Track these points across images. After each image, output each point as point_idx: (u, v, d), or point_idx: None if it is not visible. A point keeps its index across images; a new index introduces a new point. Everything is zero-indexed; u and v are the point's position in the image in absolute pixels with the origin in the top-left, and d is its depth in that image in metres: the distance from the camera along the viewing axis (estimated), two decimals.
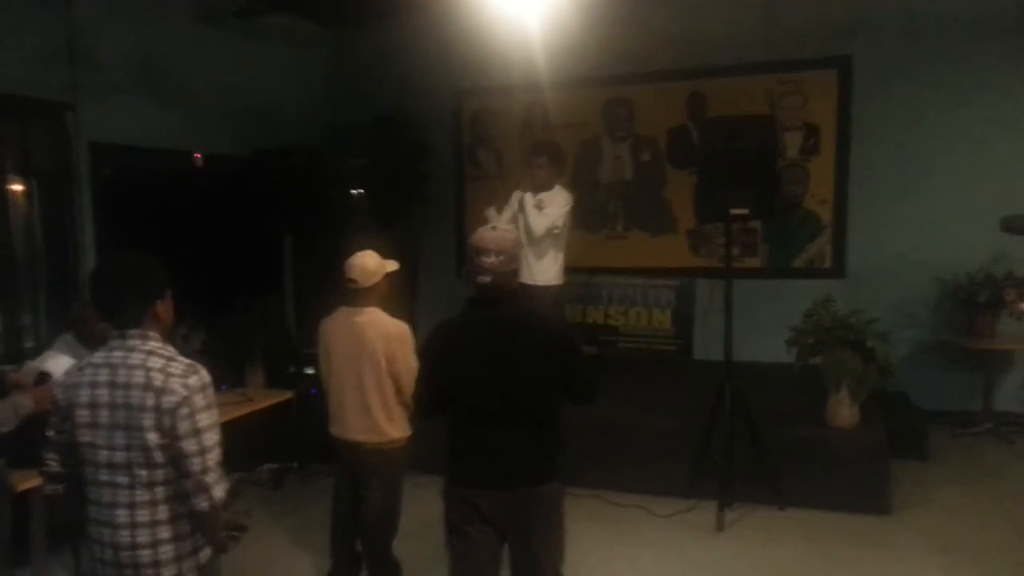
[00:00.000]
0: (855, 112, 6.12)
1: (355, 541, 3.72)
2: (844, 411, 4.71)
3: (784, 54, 6.15)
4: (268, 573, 4.17)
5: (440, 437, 2.75)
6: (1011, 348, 5.65)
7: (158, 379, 2.05)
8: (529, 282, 4.76)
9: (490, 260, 2.56)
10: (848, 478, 4.58)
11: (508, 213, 5.07)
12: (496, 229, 2.68)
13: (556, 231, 5.02)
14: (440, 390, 2.69)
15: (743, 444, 4.53)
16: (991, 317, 5.54)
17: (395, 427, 3.54)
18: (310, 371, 5.20)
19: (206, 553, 2.20)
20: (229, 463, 5.20)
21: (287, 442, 5.38)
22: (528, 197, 4.97)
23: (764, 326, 5.58)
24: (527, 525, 2.67)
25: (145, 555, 2.09)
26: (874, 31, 5.98)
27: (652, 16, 6.25)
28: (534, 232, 4.93)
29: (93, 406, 2.09)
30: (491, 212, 5.18)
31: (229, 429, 4.52)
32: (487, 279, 2.57)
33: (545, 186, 5.02)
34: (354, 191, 6.25)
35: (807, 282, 5.99)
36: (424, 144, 6.92)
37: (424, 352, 2.80)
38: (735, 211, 4.45)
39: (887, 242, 6.05)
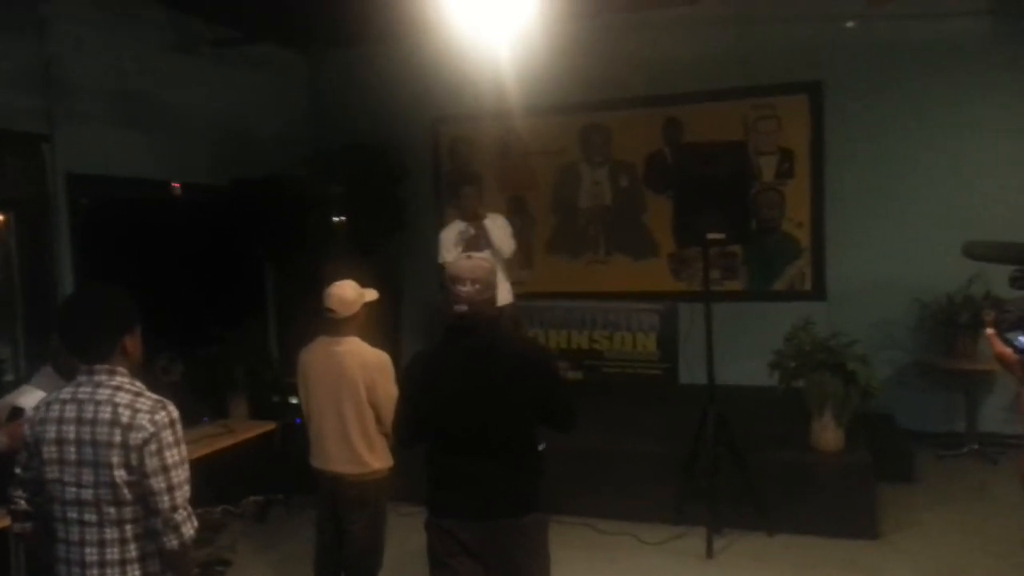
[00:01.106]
0: (828, 136, 6.20)
1: (339, 574, 3.66)
2: (829, 434, 4.70)
3: (757, 80, 6.24)
4: None
5: (423, 467, 2.72)
6: (992, 368, 5.62)
7: (125, 415, 2.01)
8: None
9: (466, 289, 2.57)
10: (835, 503, 4.56)
11: (457, 246, 5.16)
12: (472, 258, 2.70)
13: (513, 249, 5.27)
14: (419, 419, 2.67)
15: (728, 469, 4.51)
16: (971, 337, 5.56)
17: (377, 458, 3.50)
18: (294, 400, 5.15)
19: None
20: (213, 496, 5.13)
21: (272, 473, 5.31)
22: (488, 222, 5.14)
23: (747, 349, 5.57)
24: (510, 556, 2.64)
25: None
26: (844, 56, 6.07)
27: (626, 43, 6.34)
28: (504, 253, 5.05)
29: (60, 442, 2.05)
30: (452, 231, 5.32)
31: (211, 461, 4.51)
32: (463, 308, 2.58)
33: (480, 214, 5.22)
34: (335, 218, 6.24)
35: (789, 304, 6.02)
36: (403, 170, 6.93)
37: (402, 382, 2.79)
38: (712, 236, 4.49)
39: (866, 263, 6.10)
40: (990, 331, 1.78)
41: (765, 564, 4.28)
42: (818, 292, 6.29)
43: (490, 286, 2.63)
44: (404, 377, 2.77)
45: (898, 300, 5.93)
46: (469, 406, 2.59)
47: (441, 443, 2.65)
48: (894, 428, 5.68)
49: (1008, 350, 1.73)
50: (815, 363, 4.62)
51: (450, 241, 5.25)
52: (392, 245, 6.99)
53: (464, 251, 4.89)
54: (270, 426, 5.21)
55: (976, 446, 5.71)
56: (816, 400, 4.66)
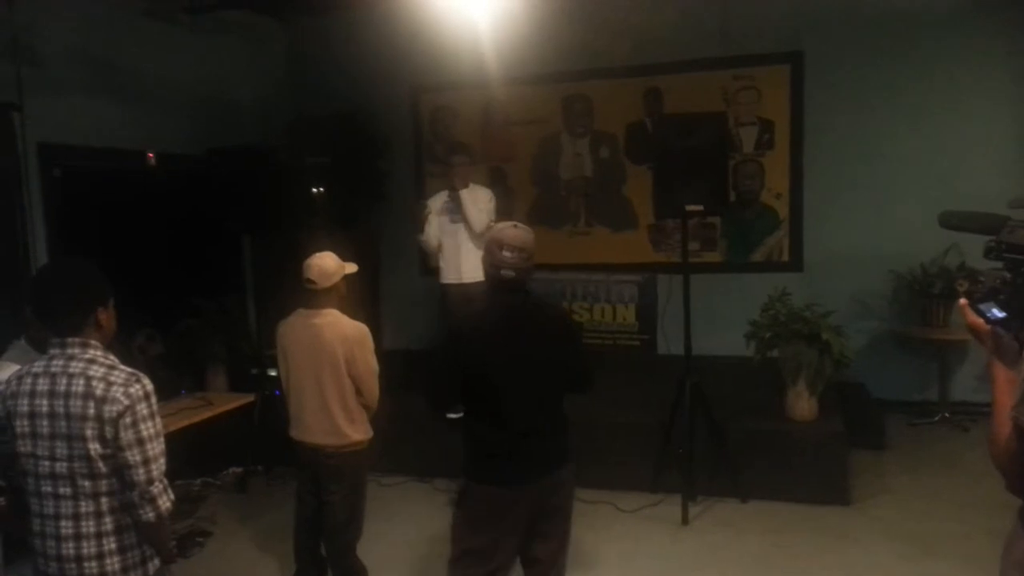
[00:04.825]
0: (808, 107, 6.21)
1: (319, 545, 3.69)
2: (803, 404, 4.77)
3: (739, 50, 6.22)
4: None
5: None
6: (965, 338, 5.72)
7: (99, 388, 2.00)
8: (471, 280, 4.82)
9: (514, 256, 2.70)
10: (808, 470, 4.65)
11: (434, 220, 5.12)
12: (518, 227, 2.79)
13: (492, 225, 5.14)
14: (465, 381, 2.73)
15: (704, 438, 4.58)
16: (945, 308, 5.65)
17: (356, 429, 3.51)
18: (273, 373, 5.15)
19: (155, 564, 2.16)
20: (193, 468, 5.10)
21: (251, 445, 5.31)
22: (465, 195, 5.05)
23: (725, 320, 5.62)
24: (550, 512, 2.80)
25: (91, 567, 2.05)
26: (825, 26, 6.06)
27: (608, 12, 6.27)
28: (477, 228, 5.00)
29: (33, 416, 2.04)
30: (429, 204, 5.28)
31: (190, 434, 4.50)
32: (511, 274, 2.72)
33: (464, 184, 5.13)
34: (314, 189, 6.17)
35: (766, 276, 6.06)
36: (383, 140, 6.86)
37: (446, 349, 2.85)
38: (690, 207, 4.51)
39: (843, 235, 6.15)
40: (963, 301, 1.80)
41: (738, 529, 4.37)
42: (795, 263, 6.34)
43: (533, 254, 2.77)
44: (448, 345, 2.85)
45: (874, 271, 6.00)
46: (525, 365, 2.73)
47: (490, 406, 2.73)
48: (867, 397, 5.77)
49: (980, 320, 1.75)
50: (790, 333, 4.67)
51: (434, 210, 5.22)
52: (372, 217, 6.94)
53: (449, 222, 4.96)
54: (249, 398, 5.21)
55: (947, 414, 5.83)
56: (790, 370, 4.72)
